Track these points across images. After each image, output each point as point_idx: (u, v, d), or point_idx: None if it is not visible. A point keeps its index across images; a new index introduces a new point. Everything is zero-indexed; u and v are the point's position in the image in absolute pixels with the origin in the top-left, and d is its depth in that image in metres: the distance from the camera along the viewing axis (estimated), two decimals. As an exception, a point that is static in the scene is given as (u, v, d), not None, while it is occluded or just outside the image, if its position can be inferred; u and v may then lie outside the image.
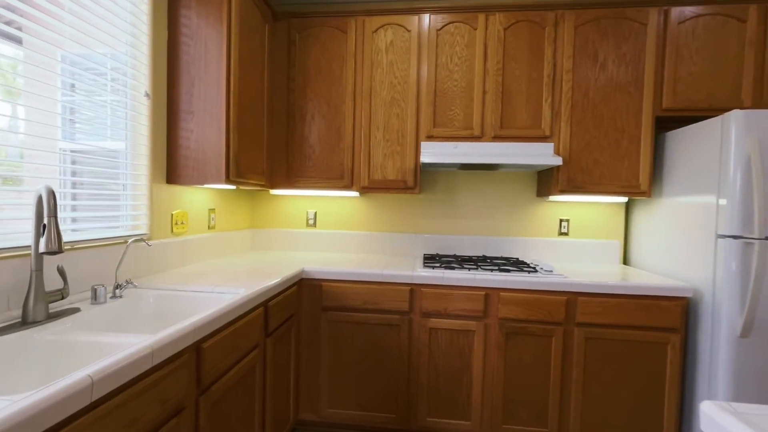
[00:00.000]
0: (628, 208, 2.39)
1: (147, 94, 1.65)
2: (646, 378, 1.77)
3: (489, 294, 1.86)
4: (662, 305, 1.74)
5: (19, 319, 1.07)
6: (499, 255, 2.43)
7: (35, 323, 1.06)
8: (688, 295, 1.73)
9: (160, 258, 1.73)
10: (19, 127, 1.24)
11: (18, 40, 1.30)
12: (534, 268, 1.98)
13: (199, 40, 1.74)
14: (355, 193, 2.43)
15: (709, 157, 1.74)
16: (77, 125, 1.45)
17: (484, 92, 2.12)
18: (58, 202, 1.33)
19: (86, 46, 1.40)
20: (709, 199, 1.72)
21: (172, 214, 1.82)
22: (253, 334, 1.43)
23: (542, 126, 2.08)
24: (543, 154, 2.02)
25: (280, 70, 2.25)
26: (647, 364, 1.77)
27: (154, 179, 1.70)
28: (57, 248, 0.97)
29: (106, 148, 1.54)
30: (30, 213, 1.19)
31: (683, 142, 1.92)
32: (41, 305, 1.08)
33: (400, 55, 2.16)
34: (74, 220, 1.45)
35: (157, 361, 0.90)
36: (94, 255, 1.38)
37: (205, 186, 1.90)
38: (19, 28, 1.23)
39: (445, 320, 1.88)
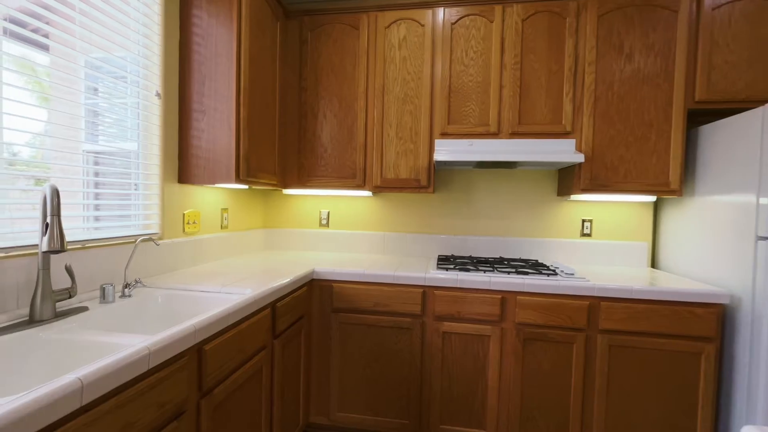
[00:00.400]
0: (656, 207, 2.24)
1: (158, 94, 1.65)
2: (676, 390, 1.65)
3: (506, 297, 1.77)
4: (695, 312, 1.62)
5: (27, 318, 1.08)
6: (517, 257, 2.33)
7: (42, 322, 1.06)
8: (724, 301, 1.60)
9: (171, 257, 1.73)
10: (47, 131, 1.28)
11: (45, 47, 1.33)
12: (554, 270, 1.89)
13: (210, 39, 1.74)
14: (367, 193, 2.39)
15: (748, 151, 1.60)
16: (98, 127, 1.47)
17: (501, 87, 2.03)
18: (80, 201, 1.36)
19: (103, 49, 1.42)
20: (749, 198, 1.58)
21: (184, 214, 1.83)
22: (260, 335, 1.40)
23: (563, 121, 1.98)
24: (563, 151, 1.92)
25: (291, 69, 2.23)
26: (678, 375, 1.64)
27: (165, 179, 1.71)
28: (59, 247, 0.97)
29: (123, 148, 1.55)
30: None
31: (718, 136, 1.78)
32: (48, 304, 1.08)
33: (414, 51, 2.11)
34: (97, 218, 1.47)
35: (154, 363, 0.88)
36: (105, 254, 1.39)
37: (217, 185, 1.90)
38: (46, 35, 1.25)
39: (459, 324, 1.81)
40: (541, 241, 2.31)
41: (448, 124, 2.09)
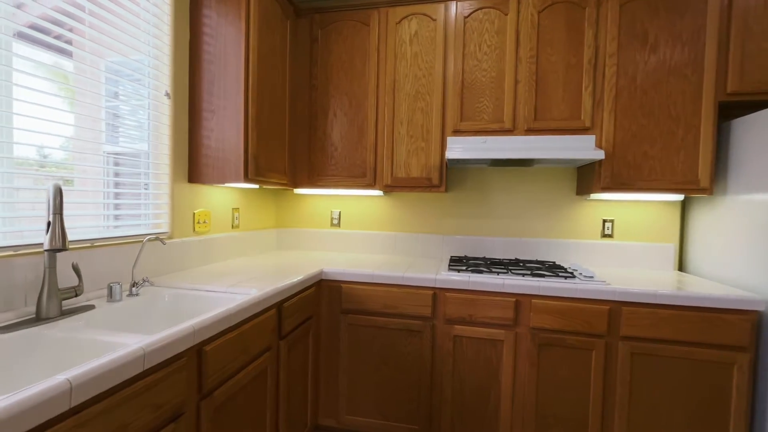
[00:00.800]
0: (684, 207, 2.11)
1: (167, 94, 1.66)
2: (705, 403, 1.53)
3: (520, 301, 1.70)
4: (726, 319, 1.50)
5: (34, 315, 1.09)
6: (533, 258, 2.25)
7: (47, 320, 1.07)
8: (760, 308, 1.48)
9: (181, 257, 1.74)
10: (71, 134, 1.31)
11: (64, 52, 1.35)
12: (571, 273, 1.80)
13: (220, 38, 1.73)
14: (378, 192, 2.35)
15: (786, 146, 1.48)
16: (117, 129, 1.50)
17: (516, 82, 1.95)
18: (100, 201, 1.39)
19: (116, 52, 1.44)
20: (787, 196, 1.46)
21: (194, 213, 1.83)
22: (265, 336, 1.38)
23: (582, 117, 1.89)
24: (582, 148, 1.83)
25: (302, 67, 2.21)
26: (707, 387, 1.53)
27: (175, 179, 1.72)
28: (60, 245, 0.97)
29: (133, 148, 1.57)
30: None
31: (754, 129, 1.66)
32: (54, 302, 1.09)
33: (425, 46, 2.05)
34: (117, 218, 1.49)
35: (150, 364, 0.86)
36: (114, 253, 1.40)
37: (228, 185, 1.90)
38: (69, 42, 1.28)
39: (471, 328, 1.75)
40: (559, 242, 2.22)
41: (461, 120, 2.02)
